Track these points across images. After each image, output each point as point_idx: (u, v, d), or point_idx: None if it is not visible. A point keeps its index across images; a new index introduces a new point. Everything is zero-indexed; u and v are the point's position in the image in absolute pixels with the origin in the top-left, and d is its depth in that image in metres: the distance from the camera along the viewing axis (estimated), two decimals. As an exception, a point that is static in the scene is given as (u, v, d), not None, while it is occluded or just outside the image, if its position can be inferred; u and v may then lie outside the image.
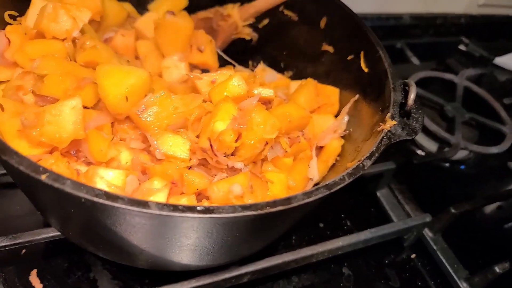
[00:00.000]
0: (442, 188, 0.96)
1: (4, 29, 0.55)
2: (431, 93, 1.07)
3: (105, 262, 0.64)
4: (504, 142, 0.99)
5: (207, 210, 0.36)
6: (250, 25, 0.83)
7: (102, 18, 0.62)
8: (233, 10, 0.73)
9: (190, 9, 0.78)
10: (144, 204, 0.35)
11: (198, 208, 0.36)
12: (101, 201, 0.34)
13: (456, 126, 0.99)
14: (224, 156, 0.49)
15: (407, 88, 0.56)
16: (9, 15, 0.55)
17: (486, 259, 0.81)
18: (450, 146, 0.95)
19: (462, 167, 1.02)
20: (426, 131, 1.00)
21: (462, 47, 1.42)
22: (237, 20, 0.73)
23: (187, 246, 0.45)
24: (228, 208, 0.37)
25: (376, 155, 0.47)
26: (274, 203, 0.38)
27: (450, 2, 1.46)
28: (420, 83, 1.09)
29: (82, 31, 0.54)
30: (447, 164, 1.01)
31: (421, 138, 1.02)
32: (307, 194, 0.40)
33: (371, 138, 0.53)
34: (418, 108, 0.55)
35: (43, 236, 0.59)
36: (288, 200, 0.39)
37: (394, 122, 0.51)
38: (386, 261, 0.80)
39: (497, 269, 0.73)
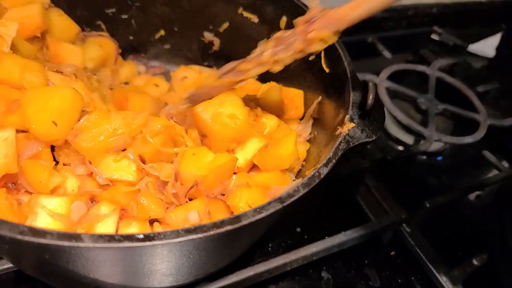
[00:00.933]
0: (420, 182, 0.95)
1: None
2: (404, 86, 1.06)
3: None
4: (479, 130, 0.99)
5: (147, 238, 0.34)
6: (210, 30, 0.81)
7: (48, 34, 0.59)
8: None
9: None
10: (76, 237, 0.32)
11: (137, 236, 0.34)
12: (26, 238, 0.31)
13: (429, 118, 0.98)
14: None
15: (367, 87, 0.55)
16: None
17: (465, 251, 0.79)
18: (425, 139, 0.94)
19: (439, 158, 1.01)
20: (402, 125, 0.99)
21: (435, 37, 1.41)
22: None
23: (141, 272, 0.43)
24: (170, 234, 0.34)
25: (334, 161, 0.45)
26: (221, 223, 0.36)
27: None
28: (393, 77, 1.08)
29: (13, 48, 0.50)
30: (424, 157, 1.00)
31: (397, 132, 1.01)
32: (257, 210, 0.38)
33: (331, 142, 0.51)
34: (379, 107, 0.54)
35: (1, 267, 0.55)
36: (237, 218, 0.37)
37: (352, 125, 0.49)
38: (366, 261, 0.78)
39: (475, 262, 0.72)
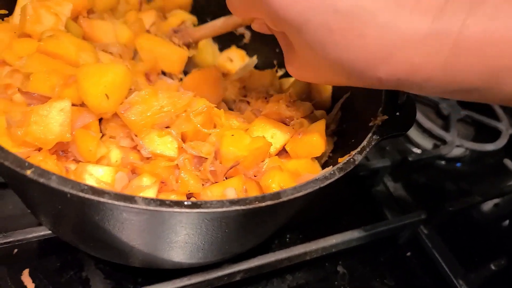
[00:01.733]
0: (439, 185, 0.95)
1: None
2: (427, 91, 1.07)
3: (98, 261, 0.64)
4: (500, 139, 0.99)
5: (194, 205, 0.36)
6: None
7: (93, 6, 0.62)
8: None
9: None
10: (130, 199, 0.35)
11: (186, 203, 0.36)
12: (87, 196, 0.34)
13: (451, 123, 0.99)
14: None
15: (399, 83, 0.56)
16: (-2, 14, 0.54)
17: (483, 256, 0.80)
18: (445, 144, 0.95)
19: (458, 164, 1.01)
20: (422, 129, 1.00)
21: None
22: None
23: (177, 243, 0.45)
24: (216, 203, 0.36)
25: (367, 149, 0.47)
26: (263, 198, 0.38)
27: None
28: (415, 81, 1.09)
29: (67, 29, 0.54)
30: (443, 162, 1.01)
31: (416, 136, 1.02)
32: (296, 188, 0.40)
33: (362, 133, 0.52)
34: (410, 103, 0.55)
35: (35, 234, 0.58)
36: (277, 194, 0.39)
37: (385, 117, 0.51)
38: (381, 259, 0.79)
39: (493, 266, 0.73)
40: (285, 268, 0.69)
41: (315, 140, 0.53)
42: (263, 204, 0.38)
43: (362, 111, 0.59)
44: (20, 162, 0.35)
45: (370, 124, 0.51)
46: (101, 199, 0.34)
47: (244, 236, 0.49)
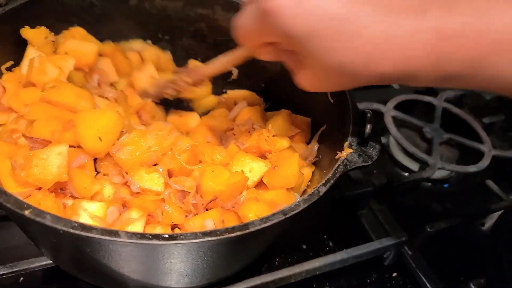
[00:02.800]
0: (423, 207, 0.99)
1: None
2: (411, 116, 1.12)
3: (96, 288, 0.69)
4: (483, 160, 1.03)
5: (171, 237, 0.41)
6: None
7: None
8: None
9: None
10: (115, 233, 0.40)
11: (163, 235, 0.41)
12: (77, 232, 0.39)
13: (434, 146, 1.04)
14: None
15: (365, 117, 0.62)
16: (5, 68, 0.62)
17: (465, 275, 0.83)
18: (429, 166, 0.99)
19: (445, 185, 1.05)
20: (408, 153, 1.05)
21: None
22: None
23: (162, 270, 0.50)
24: (190, 235, 0.42)
25: (332, 181, 0.52)
26: (232, 229, 0.43)
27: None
28: (400, 106, 1.14)
29: (69, 79, 0.61)
30: (429, 184, 1.05)
31: (403, 159, 1.07)
32: (263, 220, 0.45)
33: (331, 165, 0.58)
34: (376, 135, 0.60)
35: (37, 264, 0.63)
36: (245, 226, 0.44)
37: (350, 150, 0.56)
38: (368, 280, 0.83)
39: (472, 286, 0.76)
40: (272, 291, 0.73)
41: (289, 172, 0.58)
42: (233, 234, 0.43)
43: (335, 144, 0.64)
44: (20, 203, 0.41)
45: (336, 157, 0.56)
46: (89, 235, 0.39)
47: (223, 263, 0.54)
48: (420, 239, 0.83)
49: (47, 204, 0.50)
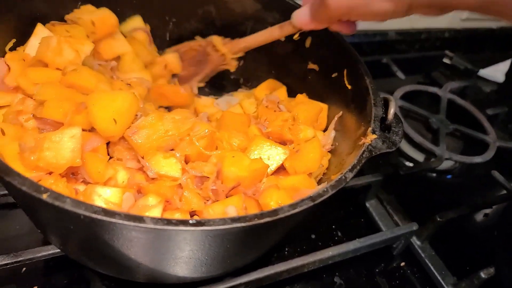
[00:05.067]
0: (430, 198, 0.99)
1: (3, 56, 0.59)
2: (417, 106, 1.11)
3: (104, 278, 0.66)
4: (488, 151, 1.03)
5: (198, 223, 0.39)
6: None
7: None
8: (221, 44, 0.77)
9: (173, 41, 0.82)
10: (140, 219, 0.38)
11: (190, 221, 0.39)
12: (99, 217, 0.37)
13: (440, 137, 1.03)
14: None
15: (387, 103, 0.60)
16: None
17: (474, 265, 0.83)
18: (435, 157, 0.98)
19: (449, 176, 1.05)
20: (413, 143, 1.04)
21: (446, 61, 1.47)
22: (226, 53, 0.77)
23: (181, 259, 0.48)
24: (219, 221, 0.40)
25: (358, 167, 0.50)
26: (261, 215, 0.41)
27: (433, 18, 1.52)
28: (405, 97, 1.13)
29: (84, 63, 0.58)
30: (434, 174, 1.05)
31: (409, 150, 1.06)
32: (292, 205, 0.43)
33: (354, 151, 0.56)
34: (398, 121, 0.59)
35: (43, 253, 0.60)
36: (274, 212, 0.42)
37: (375, 136, 0.54)
38: (377, 270, 0.82)
39: (482, 275, 0.76)
40: (284, 280, 0.72)
41: (312, 156, 0.57)
42: (262, 221, 0.41)
43: (353, 130, 0.63)
44: (37, 186, 0.38)
45: (360, 143, 0.54)
46: (113, 220, 0.37)
47: (244, 250, 0.52)
48: (429, 229, 0.83)
49: (59, 189, 0.47)
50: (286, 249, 0.81)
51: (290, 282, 0.75)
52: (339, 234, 0.87)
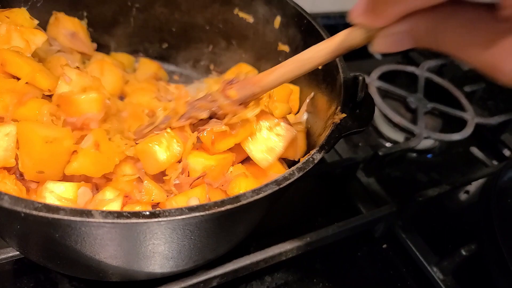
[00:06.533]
0: (412, 178, 0.98)
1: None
2: (394, 86, 1.10)
3: (72, 279, 0.63)
4: (466, 128, 1.02)
5: (152, 215, 0.36)
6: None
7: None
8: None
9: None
10: (87, 213, 0.35)
11: (144, 213, 0.36)
12: (41, 214, 0.33)
13: (418, 116, 1.02)
14: None
15: (357, 81, 0.58)
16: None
17: (456, 243, 0.82)
18: (414, 136, 0.97)
19: (429, 156, 1.04)
20: (392, 123, 1.02)
21: (424, 40, 1.46)
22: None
23: (144, 254, 0.45)
24: (175, 211, 0.37)
25: (326, 148, 0.48)
26: (222, 203, 0.39)
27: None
28: (383, 77, 1.11)
29: (34, 55, 0.53)
30: (414, 154, 1.04)
31: (388, 130, 1.04)
32: (256, 191, 0.41)
33: (324, 132, 0.54)
34: (369, 99, 0.57)
35: (3, 256, 0.57)
36: (236, 198, 0.39)
37: (343, 115, 0.52)
38: (359, 253, 0.81)
39: (463, 252, 0.75)
40: (263, 270, 0.70)
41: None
42: (223, 208, 0.38)
43: (324, 111, 0.60)
44: (-29, 184, 0.34)
45: (329, 122, 0.52)
46: (56, 216, 0.34)
47: (212, 242, 0.49)
48: (410, 209, 0.81)
49: (7, 187, 0.44)
50: (265, 238, 0.78)
51: (269, 271, 0.73)
52: (320, 219, 0.85)
